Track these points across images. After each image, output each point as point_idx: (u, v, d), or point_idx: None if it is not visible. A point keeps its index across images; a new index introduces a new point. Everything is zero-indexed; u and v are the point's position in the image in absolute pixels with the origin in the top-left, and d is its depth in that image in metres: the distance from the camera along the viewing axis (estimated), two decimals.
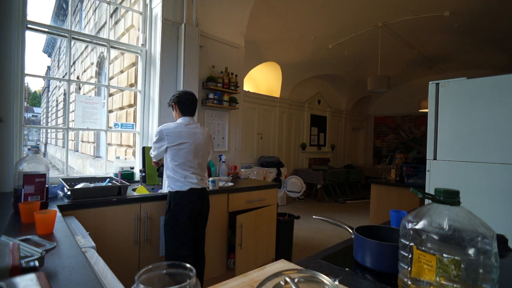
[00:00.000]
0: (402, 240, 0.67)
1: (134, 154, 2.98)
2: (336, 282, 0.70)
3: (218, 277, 2.41)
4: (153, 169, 2.45)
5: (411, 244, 0.64)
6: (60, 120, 11.28)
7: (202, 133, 2.06)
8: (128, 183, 2.13)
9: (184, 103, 2.05)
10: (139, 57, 2.86)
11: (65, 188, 1.87)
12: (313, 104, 7.16)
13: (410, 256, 0.64)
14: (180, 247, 1.91)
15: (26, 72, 2.12)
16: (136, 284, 0.42)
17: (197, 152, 2.01)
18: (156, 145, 1.98)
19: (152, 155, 2.08)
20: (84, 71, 6.70)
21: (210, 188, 2.36)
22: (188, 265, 0.47)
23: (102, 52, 5.27)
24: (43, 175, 1.45)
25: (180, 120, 2.05)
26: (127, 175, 2.60)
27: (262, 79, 6.23)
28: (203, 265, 2.11)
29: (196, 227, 2.05)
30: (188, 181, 1.94)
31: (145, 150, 2.51)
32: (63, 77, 10.52)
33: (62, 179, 2.10)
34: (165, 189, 2.11)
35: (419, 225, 0.62)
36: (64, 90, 8.93)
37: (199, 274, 2.08)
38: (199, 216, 2.03)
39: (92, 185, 2.02)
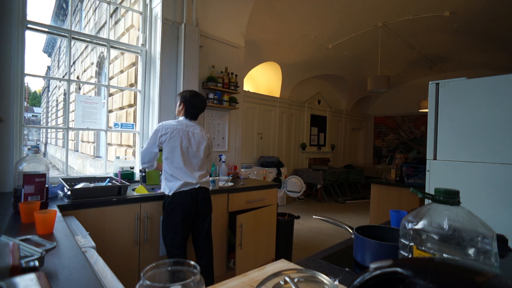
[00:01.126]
0: (402, 240, 0.67)
1: (134, 154, 2.98)
2: (336, 282, 0.70)
3: (218, 277, 2.41)
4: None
5: (411, 244, 0.64)
6: (60, 120, 11.28)
7: (200, 134, 2.07)
8: (128, 183, 2.13)
9: (192, 107, 2.06)
10: (139, 57, 2.86)
11: (65, 188, 1.87)
12: (313, 104, 7.16)
13: (410, 256, 0.64)
14: (172, 245, 1.92)
15: (26, 72, 2.12)
16: (142, 280, 0.42)
17: (193, 153, 2.01)
18: (151, 138, 1.96)
19: (142, 154, 2.01)
20: (84, 71, 6.70)
21: (210, 188, 2.35)
22: (192, 262, 0.47)
23: (102, 52, 5.27)
24: (43, 175, 1.45)
25: (181, 119, 2.08)
26: (127, 175, 2.60)
27: (262, 79, 6.23)
28: (209, 264, 2.10)
29: (195, 226, 2.05)
30: (182, 181, 1.93)
31: None
32: (63, 77, 10.52)
33: (62, 179, 2.10)
34: (162, 188, 2.12)
35: (419, 225, 0.62)
36: (64, 90, 8.93)
37: (204, 273, 2.07)
38: (196, 215, 2.03)
39: (92, 185, 2.01)
